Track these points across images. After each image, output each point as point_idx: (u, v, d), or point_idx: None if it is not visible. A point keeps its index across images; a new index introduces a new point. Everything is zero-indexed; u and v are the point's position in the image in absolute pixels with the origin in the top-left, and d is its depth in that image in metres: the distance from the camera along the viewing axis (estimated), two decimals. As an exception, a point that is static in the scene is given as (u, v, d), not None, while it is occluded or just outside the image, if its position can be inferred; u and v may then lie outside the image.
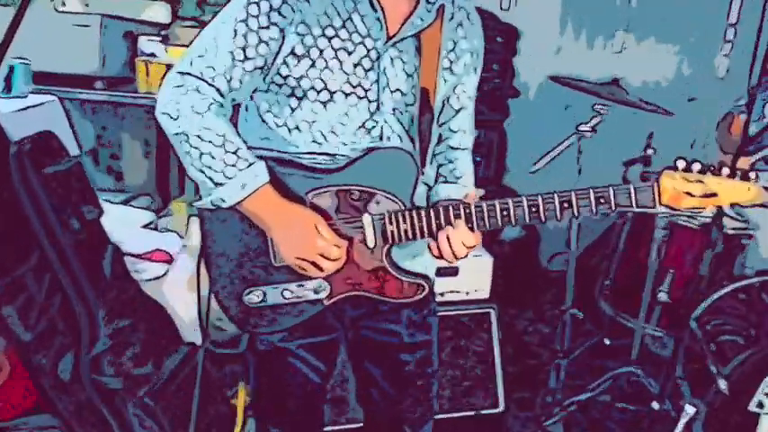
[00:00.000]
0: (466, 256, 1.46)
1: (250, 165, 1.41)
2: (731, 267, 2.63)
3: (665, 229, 2.54)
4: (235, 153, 1.40)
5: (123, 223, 2.74)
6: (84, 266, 2.17)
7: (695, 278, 2.69)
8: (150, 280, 2.64)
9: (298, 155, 1.48)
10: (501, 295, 2.59)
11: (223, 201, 1.41)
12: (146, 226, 3.15)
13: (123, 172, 3.48)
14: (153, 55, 3.09)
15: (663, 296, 2.65)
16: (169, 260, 2.78)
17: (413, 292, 1.52)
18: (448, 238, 1.43)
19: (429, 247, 1.49)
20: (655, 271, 2.63)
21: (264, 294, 1.51)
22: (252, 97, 1.50)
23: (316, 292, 1.51)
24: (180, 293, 2.82)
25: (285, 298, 1.50)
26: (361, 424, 1.81)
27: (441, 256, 1.47)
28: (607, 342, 2.97)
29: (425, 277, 1.53)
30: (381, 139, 1.50)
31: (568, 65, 3.61)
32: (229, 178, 1.39)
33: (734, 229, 2.66)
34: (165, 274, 2.72)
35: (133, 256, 2.70)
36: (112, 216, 2.39)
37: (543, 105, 3.68)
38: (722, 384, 2.26)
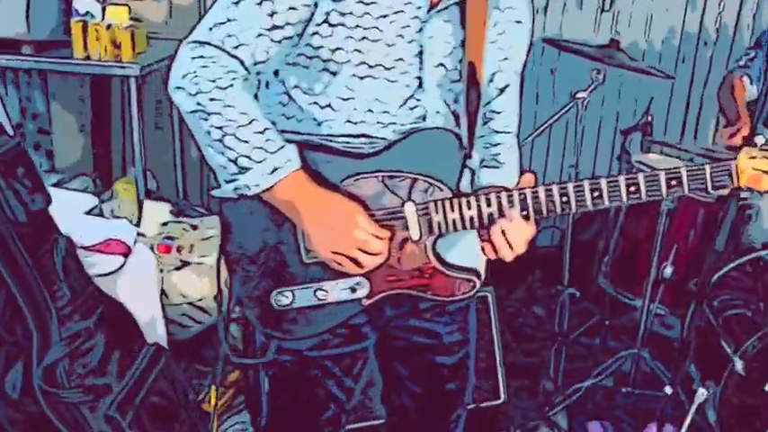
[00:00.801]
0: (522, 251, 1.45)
1: (281, 147, 1.38)
2: (738, 240, 2.75)
3: (672, 201, 2.61)
4: (263, 134, 1.37)
5: (65, 210, 2.63)
6: (32, 263, 2.10)
7: (702, 252, 2.81)
8: (103, 275, 2.55)
9: (330, 137, 1.46)
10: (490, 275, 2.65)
11: (249, 188, 1.38)
12: (88, 212, 3.03)
13: (54, 149, 3.32)
14: (89, 15, 2.95)
15: (668, 271, 2.75)
16: (126, 252, 2.70)
17: (463, 288, 1.53)
18: (503, 232, 1.43)
19: (482, 247, 1.48)
20: (659, 245, 2.72)
21: (294, 295, 1.49)
22: (276, 72, 1.46)
23: (353, 290, 1.50)
24: (139, 289, 2.76)
25: (319, 299, 1.48)
26: (372, 422, 1.77)
27: (494, 252, 1.46)
28: (607, 322, 3.08)
29: (476, 272, 1.53)
30: (424, 119, 1.48)
31: (553, 25, 3.66)
32: (257, 162, 1.36)
33: (740, 199, 2.78)
34: (120, 267, 2.63)
35: (82, 248, 2.59)
36: (53, 203, 2.29)
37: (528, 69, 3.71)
38: (739, 365, 2.39)
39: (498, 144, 1.62)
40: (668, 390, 2.53)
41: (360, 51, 1.40)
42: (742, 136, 2.77)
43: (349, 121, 1.45)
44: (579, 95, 2.81)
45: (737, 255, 2.71)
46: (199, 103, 1.34)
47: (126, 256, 2.68)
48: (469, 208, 1.45)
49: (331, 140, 1.46)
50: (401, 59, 1.43)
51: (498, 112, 1.60)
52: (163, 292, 2.94)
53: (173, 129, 3.66)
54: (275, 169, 1.38)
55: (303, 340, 1.56)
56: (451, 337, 1.69)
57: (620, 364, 2.81)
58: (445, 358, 1.69)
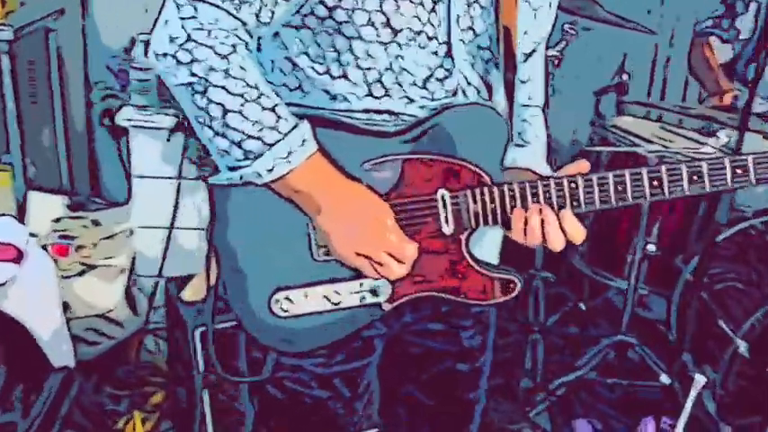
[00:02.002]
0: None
1: (294, 126, 1.36)
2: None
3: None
4: (273, 111, 1.34)
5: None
6: None
7: (687, 225, 2.97)
8: (-12, 288, 2.45)
9: (347, 113, 1.44)
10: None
11: (259, 176, 1.36)
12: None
13: None
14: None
15: (651, 248, 2.89)
16: (16, 257, 2.57)
17: (501, 291, 1.53)
18: (544, 220, 1.43)
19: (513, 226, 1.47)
20: (642, 219, 2.86)
21: (300, 299, 1.48)
22: (276, 33, 1.43)
23: (374, 294, 1.49)
24: (36, 302, 2.65)
25: (332, 303, 1.47)
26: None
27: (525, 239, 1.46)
28: (583, 307, 3.21)
29: (515, 272, 1.54)
30: (455, 94, 1.49)
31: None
32: (269, 145, 1.34)
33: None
34: (10, 277, 2.52)
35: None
36: None
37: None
38: (742, 347, 2.55)
39: (525, 118, 1.64)
40: (665, 379, 2.68)
41: (382, 12, 1.37)
42: (730, 97, 2.95)
43: (370, 95, 1.43)
44: (550, 53, 2.88)
45: (727, 225, 2.87)
46: (194, 74, 1.31)
47: (17, 262, 2.56)
48: (512, 198, 1.45)
49: (348, 116, 1.44)
50: (429, 22, 1.41)
51: (523, 82, 1.62)
52: (65, 304, 2.83)
53: (51, 102, 3.49)
54: (290, 153, 1.35)
55: (308, 354, 1.54)
56: (473, 340, 1.71)
57: (606, 354, 2.93)
58: (465, 365, 1.72)
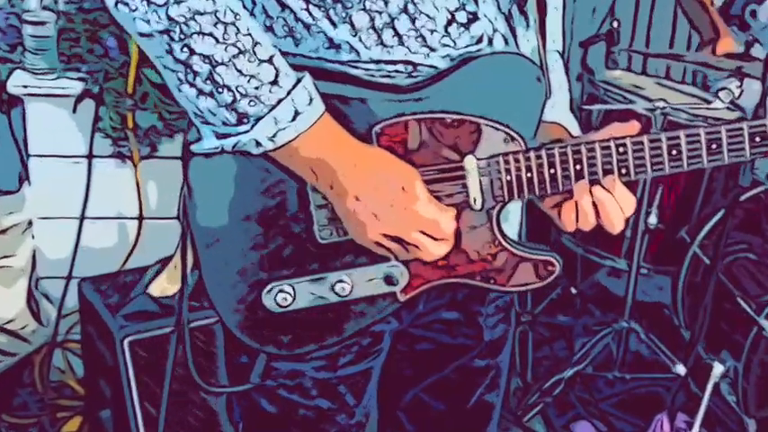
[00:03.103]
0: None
1: (298, 81, 1.34)
2: (736, 175, 3.03)
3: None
4: (271, 62, 1.32)
5: None
6: None
7: (692, 191, 3.05)
8: None
9: (354, 64, 1.42)
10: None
11: (258, 144, 1.34)
12: None
13: None
14: None
15: (653, 219, 2.96)
16: None
17: (537, 274, 1.53)
18: (596, 201, 1.43)
19: (557, 214, 1.49)
20: (642, 187, 2.93)
21: (301, 291, 1.48)
22: None
23: (389, 281, 1.48)
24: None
25: (338, 295, 1.47)
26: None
27: (576, 221, 1.48)
28: (574, 291, 3.27)
29: (551, 251, 1.54)
30: (481, 41, 1.47)
31: None
32: (270, 106, 1.32)
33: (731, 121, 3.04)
34: None
35: None
36: None
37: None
38: (768, 327, 2.65)
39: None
40: (680, 369, 2.74)
41: None
42: (728, 45, 3.03)
43: (381, 44, 1.41)
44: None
45: (737, 192, 2.97)
46: (171, 19, 1.27)
47: None
48: (551, 165, 1.45)
49: (354, 67, 1.42)
50: None
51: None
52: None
53: None
54: (296, 115, 1.33)
55: (309, 356, 1.54)
56: (494, 332, 1.72)
57: (606, 345, 3.00)
58: (484, 361, 1.73)
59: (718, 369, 2.58)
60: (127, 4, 1.30)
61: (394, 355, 1.70)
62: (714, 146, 1.43)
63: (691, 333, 2.84)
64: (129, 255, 3.12)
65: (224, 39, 1.28)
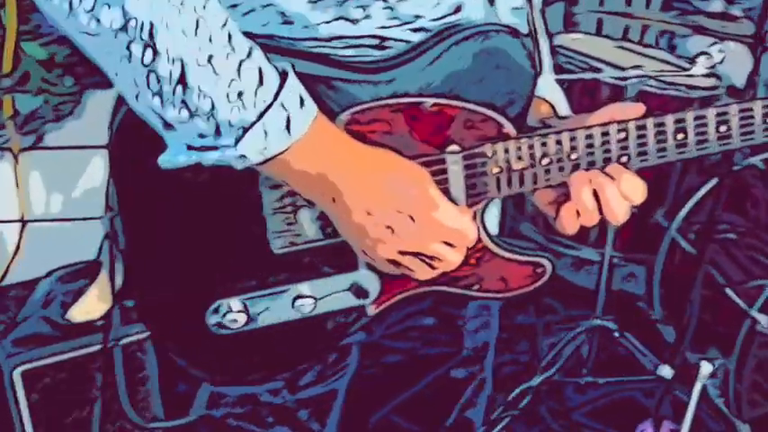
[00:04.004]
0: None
1: (283, 78, 1.30)
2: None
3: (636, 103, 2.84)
4: (251, 58, 1.28)
5: None
6: None
7: (665, 172, 3.10)
8: None
9: (311, 42, 1.40)
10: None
11: (244, 158, 1.29)
12: None
13: None
14: None
15: (623, 203, 2.99)
16: None
17: (526, 278, 1.54)
18: (598, 190, 1.44)
19: (555, 210, 1.49)
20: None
21: (253, 309, 1.48)
22: None
23: (358, 294, 1.49)
24: None
25: (299, 311, 1.48)
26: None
27: (576, 217, 1.47)
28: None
29: (542, 251, 1.55)
30: (459, 10, 1.47)
31: None
32: (258, 113, 1.28)
33: (707, 88, 3.10)
34: None
35: None
36: None
37: None
38: (763, 321, 2.69)
39: None
40: (666, 372, 2.76)
41: None
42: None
43: (343, 18, 1.39)
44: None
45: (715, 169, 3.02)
46: (128, 14, 1.22)
47: None
48: (545, 154, 1.45)
49: (313, 47, 1.41)
50: None
51: None
52: None
53: None
54: (288, 121, 1.29)
55: (264, 380, 1.55)
56: (475, 337, 1.74)
57: (578, 346, 3.03)
58: (463, 371, 1.75)
59: (705, 369, 2.60)
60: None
61: (360, 371, 1.69)
62: (723, 128, 1.45)
63: (676, 331, 2.85)
64: (9, 266, 3.02)
65: (196, 34, 1.25)
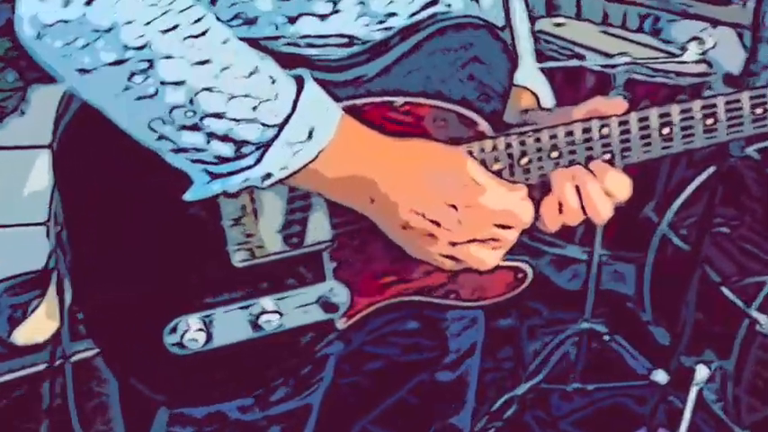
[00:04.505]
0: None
1: (301, 86, 1.32)
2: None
3: (624, 92, 2.84)
4: (261, 70, 1.31)
5: None
6: None
7: (654, 164, 3.10)
8: None
9: (275, 42, 1.40)
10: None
11: (269, 176, 1.32)
12: None
13: None
14: None
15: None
16: None
17: (506, 285, 1.55)
18: (580, 186, 1.44)
19: (541, 209, 1.48)
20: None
21: (213, 327, 1.47)
22: None
23: (326, 308, 1.49)
24: None
25: (263, 328, 1.47)
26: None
27: (558, 216, 1.47)
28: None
29: (523, 256, 1.55)
30: (435, 2, 1.46)
31: None
32: (278, 127, 1.30)
33: (697, 75, 3.11)
34: None
35: None
36: None
37: None
38: (763, 321, 2.69)
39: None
40: (661, 377, 2.75)
41: None
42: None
43: (310, 13, 1.39)
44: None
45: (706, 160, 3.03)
46: (127, 46, 1.23)
47: None
48: (523, 154, 1.45)
49: (276, 45, 1.40)
50: None
51: None
52: None
53: None
54: (312, 130, 1.31)
55: (229, 400, 1.55)
56: (460, 340, 1.75)
57: (565, 351, 3.03)
58: (449, 375, 1.75)
59: (701, 373, 2.59)
60: (58, 35, 1.24)
61: (337, 382, 1.69)
62: (710, 120, 1.45)
63: (669, 333, 2.85)
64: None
65: (199, 57, 1.26)
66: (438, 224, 1.38)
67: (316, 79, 1.37)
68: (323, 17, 1.40)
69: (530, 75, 1.66)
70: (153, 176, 1.37)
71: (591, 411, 3.11)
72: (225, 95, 1.28)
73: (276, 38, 1.40)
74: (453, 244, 1.40)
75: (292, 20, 1.39)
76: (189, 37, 1.26)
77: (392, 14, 1.43)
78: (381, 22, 1.43)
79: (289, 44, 1.41)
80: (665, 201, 3.07)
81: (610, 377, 3.08)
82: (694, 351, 2.86)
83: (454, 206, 1.37)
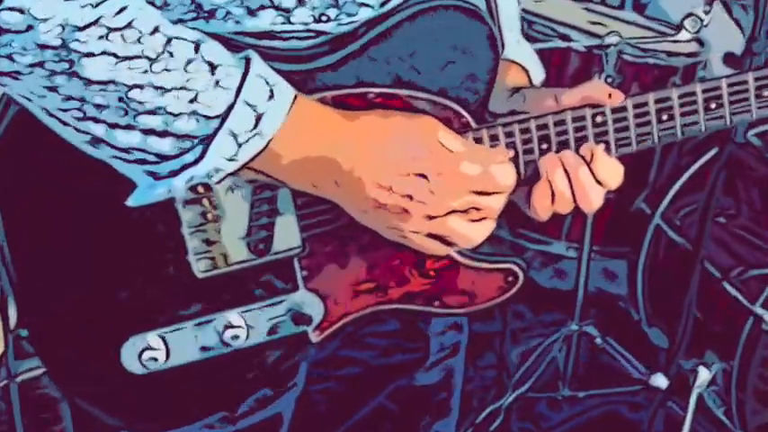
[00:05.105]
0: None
1: (246, 70, 1.32)
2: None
3: (616, 74, 2.84)
4: (199, 56, 1.31)
5: None
6: None
7: (644, 152, 3.09)
8: None
9: (239, 37, 1.39)
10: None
11: (217, 171, 1.32)
12: None
13: None
14: None
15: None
16: None
17: (496, 289, 1.55)
18: (570, 172, 1.45)
19: (531, 197, 1.49)
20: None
21: (173, 344, 1.46)
22: None
23: (297, 320, 1.48)
24: None
25: (228, 344, 1.47)
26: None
27: (551, 203, 1.48)
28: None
29: (513, 256, 1.56)
30: None
31: None
32: (220, 117, 1.29)
33: (690, 55, 3.12)
34: None
35: None
36: None
37: None
38: (768, 318, 2.69)
39: None
40: (661, 381, 2.75)
41: None
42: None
43: (270, 6, 1.38)
44: None
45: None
46: (45, 46, 1.23)
47: None
48: (512, 146, 1.46)
49: (236, 40, 1.39)
50: None
51: None
52: None
53: None
54: (259, 116, 1.31)
55: (193, 422, 1.54)
56: (443, 340, 1.75)
57: (553, 356, 3.02)
58: (431, 378, 1.75)
59: (703, 375, 2.60)
60: None
61: (310, 389, 1.68)
62: (713, 105, 1.47)
63: (666, 334, 2.85)
64: None
65: (125, 52, 1.26)
66: (410, 197, 1.37)
67: (278, 71, 1.37)
68: (287, 11, 1.40)
69: (518, 48, 1.68)
70: (101, 183, 1.37)
71: (583, 420, 3.10)
72: (158, 90, 1.28)
73: (236, 34, 1.40)
74: (430, 217, 1.38)
75: (252, 12, 1.39)
76: (112, 30, 1.26)
77: (363, 5, 1.43)
78: (351, 15, 1.43)
79: (248, 35, 1.41)
80: (657, 191, 3.07)
81: (602, 383, 3.08)
82: (694, 352, 2.84)
83: (424, 175, 1.36)
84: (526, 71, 1.66)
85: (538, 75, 1.69)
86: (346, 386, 1.74)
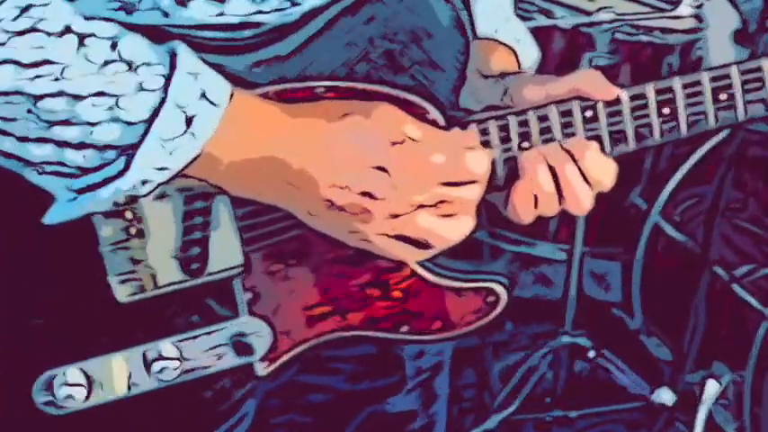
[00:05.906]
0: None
1: (172, 68, 1.30)
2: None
3: (608, 55, 2.82)
4: (117, 55, 1.29)
5: None
6: None
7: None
8: None
9: (196, 31, 1.39)
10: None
11: (144, 183, 1.30)
12: None
13: None
14: None
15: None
16: None
17: (474, 311, 1.52)
18: (555, 169, 1.44)
19: (510, 197, 1.47)
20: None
21: (94, 380, 1.43)
22: None
23: (240, 350, 1.46)
24: None
25: (158, 377, 1.44)
26: None
27: (534, 207, 1.47)
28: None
29: (494, 274, 1.54)
30: None
31: None
32: (145, 122, 1.28)
33: (687, 32, 3.10)
34: None
35: None
36: None
37: None
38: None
39: None
40: (666, 397, 2.74)
41: None
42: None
43: None
44: None
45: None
46: None
47: None
48: (487, 144, 1.45)
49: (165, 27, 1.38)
50: None
51: None
52: None
53: None
54: (190, 119, 1.29)
55: None
56: (419, 362, 1.72)
57: (544, 372, 3.00)
58: (407, 403, 1.73)
59: (711, 388, 2.58)
60: None
61: (264, 422, 1.66)
62: (723, 95, 1.45)
63: (666, 344, 2.81)
64: None
65: (30, 58, 1.25)
66: (369, 195, 1.36)
67: (212, 65, 1.36)
68: (220, 3, 1.41)
69: (506, 26, 1.70)
70: (9, 196, 1.37)
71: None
72: (71, 98, 1.27)
73: (166, 27, 1.39)
74: (395, 216, 1.38)
75: (182, 2, 1.38)
76: (12, 36, 1.24)
77: None
78: (295, 4, 1.43)
79: (179, 27, 1.40)
80: (654, 184, 3.05)
81: (596, 401, 3.06)
82: (700, 363, 2.84)
83: (384, 168, 1.36)
84: (515, 53, 1.67)
85: (529, 56, 1.69)
86: (311, 416, 1.72)
